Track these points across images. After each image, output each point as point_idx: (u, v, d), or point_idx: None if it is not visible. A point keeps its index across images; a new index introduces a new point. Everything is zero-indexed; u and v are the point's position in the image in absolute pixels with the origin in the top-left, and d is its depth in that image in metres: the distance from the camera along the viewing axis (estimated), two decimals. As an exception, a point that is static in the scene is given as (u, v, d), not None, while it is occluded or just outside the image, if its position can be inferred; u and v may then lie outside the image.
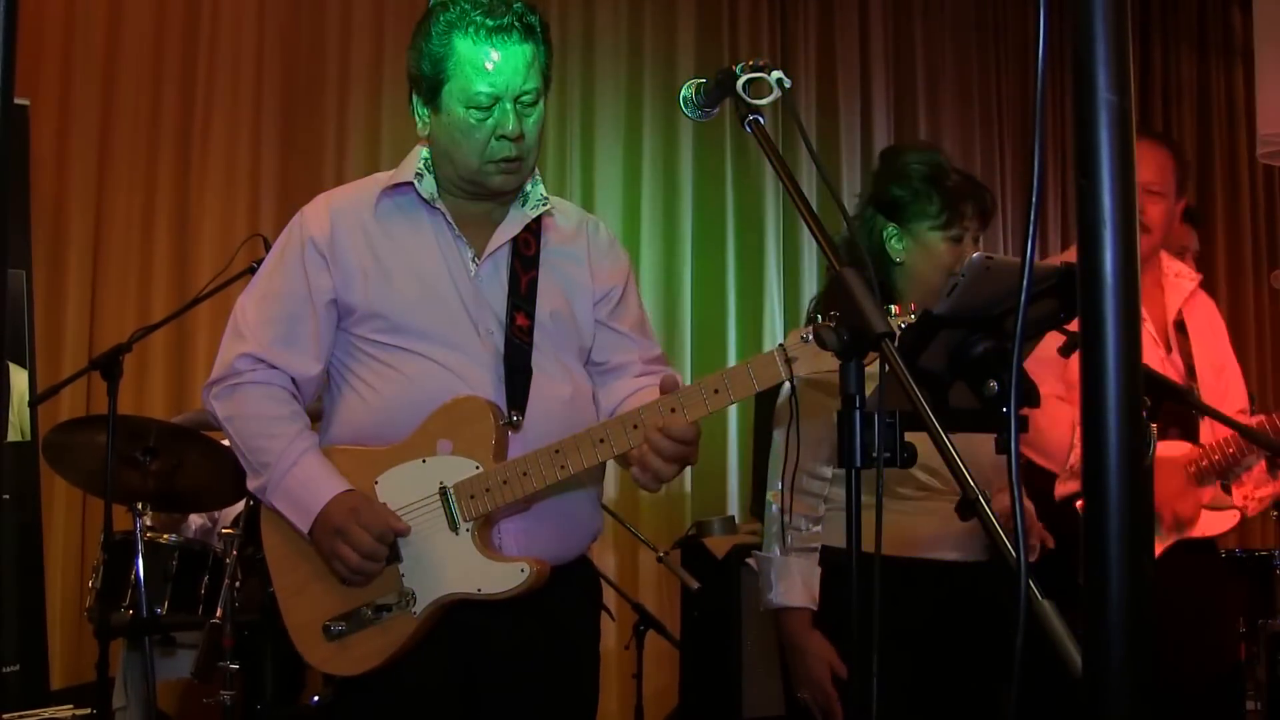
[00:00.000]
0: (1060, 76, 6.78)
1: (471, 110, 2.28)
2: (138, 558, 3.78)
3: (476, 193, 2.39)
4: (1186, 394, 2.76)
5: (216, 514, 4.45)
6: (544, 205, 2.45)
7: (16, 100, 4.72)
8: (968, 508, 1.57)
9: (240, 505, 3.96)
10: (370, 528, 2.28)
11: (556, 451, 2.24)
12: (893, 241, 2.70)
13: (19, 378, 4.73)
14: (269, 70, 5.71)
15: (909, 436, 1.70)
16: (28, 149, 4.95)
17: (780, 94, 1.93)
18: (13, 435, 4.67)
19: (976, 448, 2.42)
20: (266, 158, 5.68)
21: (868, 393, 1.71)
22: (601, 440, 2.23)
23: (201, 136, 5.55)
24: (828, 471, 2.69)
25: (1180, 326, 3.58)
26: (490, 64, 2.26)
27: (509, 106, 2.28)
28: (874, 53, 7.21)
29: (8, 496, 4.70)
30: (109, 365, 3.65)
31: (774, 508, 2.77)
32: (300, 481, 2.33)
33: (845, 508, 1.72)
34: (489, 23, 2.26)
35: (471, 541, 2.30)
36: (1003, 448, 1.89)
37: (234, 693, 3.64)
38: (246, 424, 2.39)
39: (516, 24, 2.28)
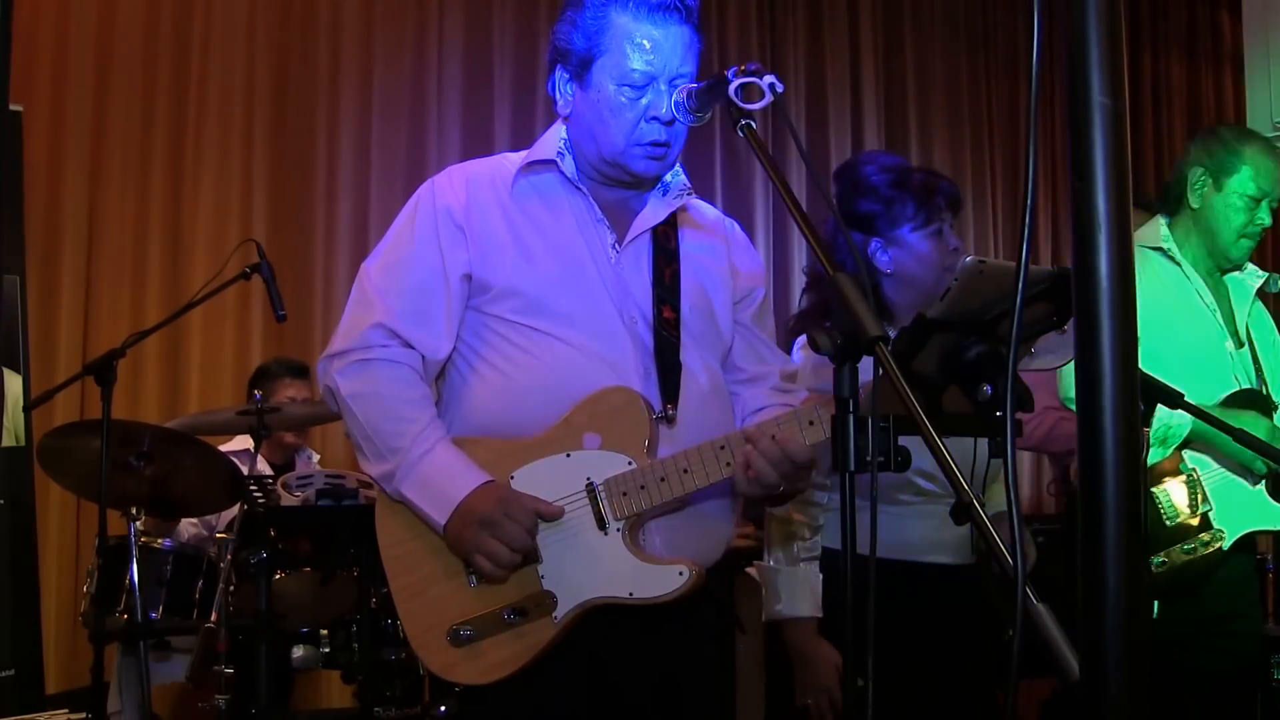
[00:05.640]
0: (1050, 83, 6.78)
1: (624, 88, 2.14)
2: (132, 562, 3.78)
3: (616, 177, 2.24)
4: (1179, 397, 2.75)
5: (213, 520, 4.45)
6: (688, 194, 2.29)
7: (10, 106, 4.72)
8: (962, 512, 1.56)
9: (235, 510, 3.96)
10: (521, 520, 2.07)
11: (722, 448, 2.08)
12: (878, 255, 2.69)
13: (13, 383, 4.73)
14: (260, 76, 5.72)
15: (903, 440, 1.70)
16: (21, 155, 4.94)
17: (772, 99, 1.92)
18: (7, 440, 4.67)
19: None
20: (258, 163, 5.68)
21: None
22: (773, 438, 2.06)
23: (194, 142, 5.55)
24: (828, 481, 2.64)
25: None
26: (649, 42, 2.13)
27: (663, 88, 2.14)
28: (864, 60, 7.23)
29: (2, 501, 4.70)
30: (103, 370, 3.66)
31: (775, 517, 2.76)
32: (437, 469, 2.11)
33: (840, 511, 1.72)
34: None
35: (622, 542, 2.09)
36: (998, 451, 1.90)
37: (228, 697, 3.64)
38: (378, 404, 2.16)
39: (679, 4, 2.15)
